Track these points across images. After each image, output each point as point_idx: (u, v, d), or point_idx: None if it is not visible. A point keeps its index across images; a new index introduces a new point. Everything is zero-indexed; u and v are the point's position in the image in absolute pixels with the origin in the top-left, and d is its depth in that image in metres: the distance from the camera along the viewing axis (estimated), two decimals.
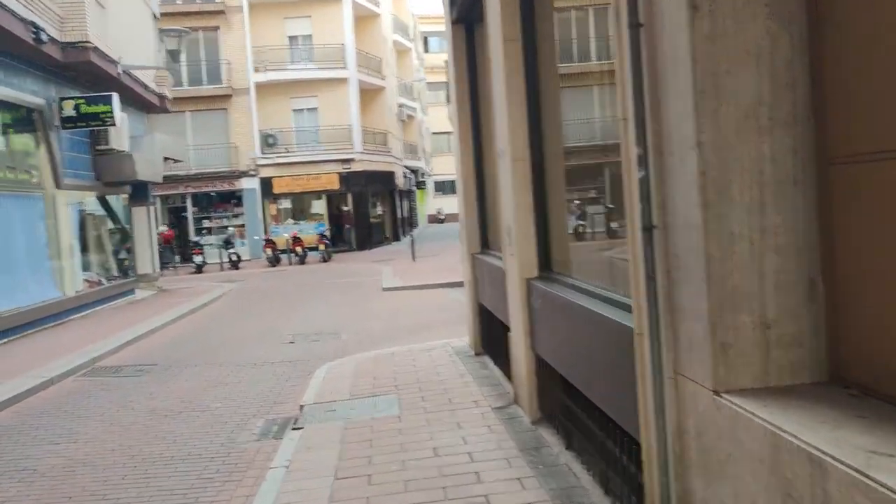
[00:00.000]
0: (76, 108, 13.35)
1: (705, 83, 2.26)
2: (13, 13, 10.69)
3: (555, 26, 5.10)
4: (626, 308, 3.25)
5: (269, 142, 30.13)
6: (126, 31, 15.55)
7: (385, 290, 16.00)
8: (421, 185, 48.82)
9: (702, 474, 2.37)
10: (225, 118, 29.66)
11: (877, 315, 2.01)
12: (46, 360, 9.37)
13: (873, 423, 1.83)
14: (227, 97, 29.43)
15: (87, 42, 12.81)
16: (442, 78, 38.45)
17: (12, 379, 8.34)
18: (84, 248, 15.27)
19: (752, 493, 2.04)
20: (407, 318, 11.82)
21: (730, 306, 2.27)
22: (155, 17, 18.84)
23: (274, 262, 25.56)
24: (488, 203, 7.74)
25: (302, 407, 6.28)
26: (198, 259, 25.20)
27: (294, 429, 5.71)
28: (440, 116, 49.18)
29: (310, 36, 31.13)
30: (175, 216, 29.89)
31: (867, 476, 1.56)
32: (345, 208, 31.14)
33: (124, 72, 14.87)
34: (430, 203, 55.41)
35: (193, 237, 28.18)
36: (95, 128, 14.09)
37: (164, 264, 24.93)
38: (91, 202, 15.95)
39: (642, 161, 2.59)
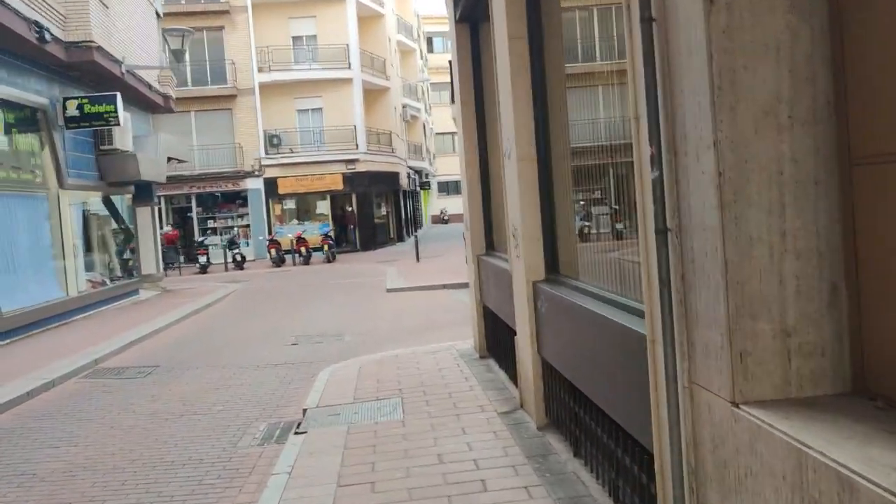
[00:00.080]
0: (80, 107, 13.30)
1: (722, 79, 2.16)
2: (16, 12, 10.64)
3: (562, 23, 5.00)
4: (637, 313, 3.15)
5: (273, 142, 30.08)
6: (130, 31, 15.51)
7: (389, 290, 15.91)
8: (425, 185, 48.75)
9: (718, 489, 2.27)
10: (229, 118, 29.62)
11: None
12: (48, 361, 9.31)
13: None
14: (231, 97, 29.40)
15: (90, 41, 12.76)
16: (446, 78, 38.28)
17: (14, 380, 8.28)
18: (88, 249, 15.23)
19: None
20: (411, 320, 11.73)
21: (748, 313, 2.16)
22: (159, 16, 18.80)
23: (278, 262, 25.51)
24: (493, 204, 7.64)
25: (305, 411, 6.20)
26: (202, 259, 25.17)
27: (297, 433, 5.62)
28: (444, 117, 49.11)
29: (314, 36, 31.09)
30: (180, 216, 29.88)
31: None
32: (349, 209, 31.08)
33: (128, 71, 14.82)
34: (433, 203, 55.34)
35: (198, 237, 28.15)
36: (99, 127, 14.05)
37: (169, 264, 24.91)
38: (95, 202, 15.91)
39: (655, 161, 2.49)
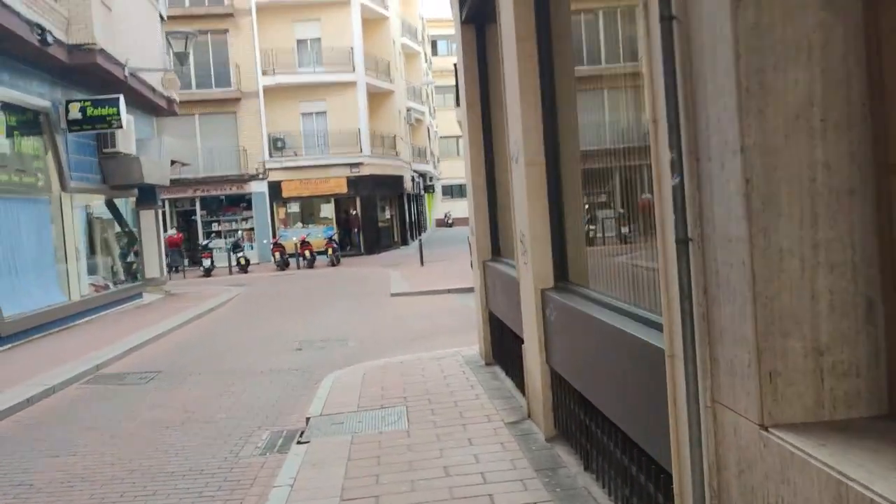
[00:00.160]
0: (82, 110, 13.23)
1: (750, 80, 2.03)
2: (18, 14, 10.57)
3: (570, 24, 4.88)
4: (654, 326, 3.02)
5: (277, 145, 30.03)
6: (133, 34, 15.43)
7: (393, 295, 15.80)
8: (429, 188, 48.67)
9: None
10: (234, 121, 29.59)
11: None
12: (49, 366, 9.20)
13: None
14: (235, 100, 29.36)
15: (93, 44, 12.69)
16: (450, 81, 38.18)
17: (14, 387, 8.17)
18: (91, 252, 15.15)
19: None
20: (415, 325, 11.61)
21: (778, 330, 2.03)
22: (162, 19, 18.74)
23: (282, 265, 25.42)
24: (499, 209, 7.51)
25: (308, 419, 6.07)
26: (206, 262, 25.10)
27: (299, 442, 5.50)
28: (448, 120, 48.99)
29: (318, 39, 31.05)
30: (184, 219, 29.84)
31: None
32: (353, 212, 31.00)
33: (131, 74, 14.75)
34: (438, 207, 55.25)
35: (202, 240, 28.09)
36: (102, 130, 13.97)
37: (173, 268, 24.85)
38: (98, 205, 15.84)
39: (675, 166, 2.35)
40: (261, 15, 29.93)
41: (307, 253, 25.44)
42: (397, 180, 34.47)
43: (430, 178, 48.99)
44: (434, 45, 54.48)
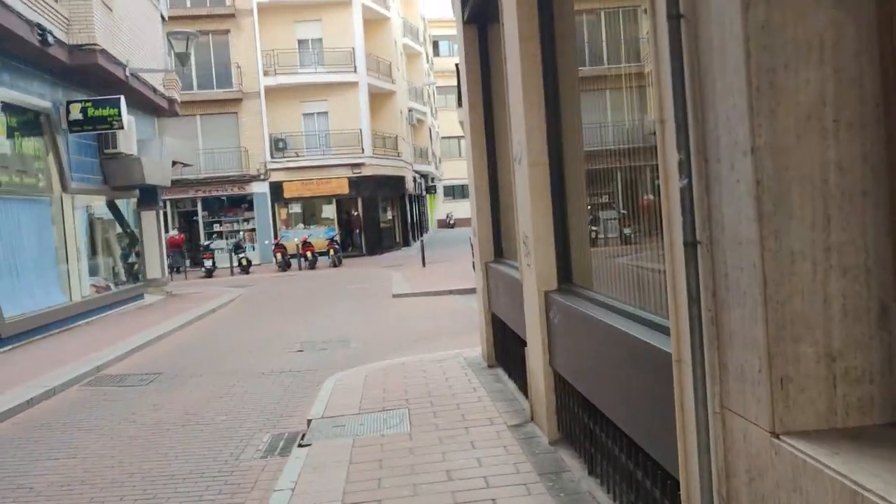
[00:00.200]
0: (83, 111, 13.20)
1: (761, 79, 1.98)
2: (18, 14, 10.54)
3: (574, 24, 4.84)
4: (660, 329, 2.97)
5: (279, 146, 30.00)
6: (134, 34, 15.42)
7: (395, 296, 15.75)
8: (431, 189, 48.59)
9: None
10: (235, 122, 29.56)
11: None
12: (50, 368, 9.17)
13: None
14: (237, 101, 29.33)
15: (94, 44, 12.66)
16: (452, 82, 38.16)
17: (14, 388, 8.14)
18: (92, 253, 15.12)
19: None
20: (417, 326, 11.57)
21: (790, 335, 1.98)
22: (164, 19, 18.71)
23: (284, 266, 25.38)
24: (502, 210, 7.47)
25: (309, 422, 6.03)
26: (208, 263, 25.08)
27: (301, 445, 5.46)
28: (450, 120, 48.93)
29: (320, 40, 31.02)
30: (185, 220, 29.81)
31: None
32: (354, 213, 30.96)
33: (132, 75, 14.72)
34: (440, 207, 55.20)
35: (204, 241, 28.06)
36: (103, 131, 13.95)
37: (175, 268, 24.82)
38: (99, 206, 15.81)
39: (683, 167, 2.31)
40: (262, 15, 29.91)
41: (309, 254, 25.40)
42: (399, 181, 34.43)
43: (432, 179, 48.94)
44: (436, 45, 54.46)
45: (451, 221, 53.51)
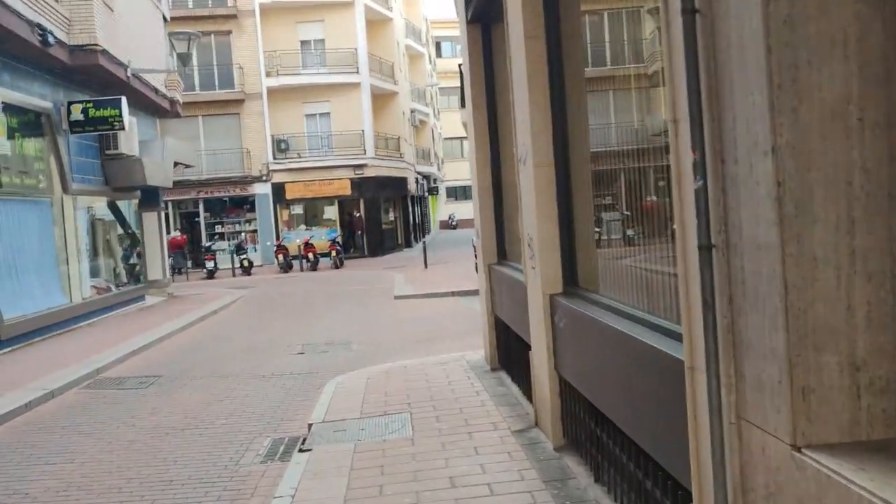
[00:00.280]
0: (84, 111, 13.13)
1: (783, 76, 1.89)
2: (18, 14, 10.47)
3: (581, 24, 4.75)
4: (671, 335, 2.89)
5: (281, 147, 29.93)
6: (136, 35, 15.35)
7: (397, 297, 15.67)
8: (433, 190, 48.52)
9: None
10: (237, 123, 29.49)
11: None
12: (49, 370, 9.10)
13: None
14: (239, 102, 29.26)
15: (95, 45, 12.60)
16: (454, 83, 38.14)
17: (12, 391, 8.06)
18: (93, 254, 15.06)
19: None
20: (419, 328, 11.48)
21: (812, 343, 1.89)
22: (165, 20, 18.65)
23: (286, 268, 25.32)
24: (506, 212, 7.39)
25: (310, 426, 5.94)
26: (209, 264, 25.02)
27: (301, 450, 5.37)
28: (453, 121, 48.92)
29: (322, 40, 30.94)
30: (187, 221, 29.74)
31: None
32: (357, 214, 30.87)
33: (134, 75, 14.65)
34: (442, 209, 55.10)
35: (205, 242, 27.99)
36: (104, 132, 13.88)
37: (177, 270, 24.75)
38: (100, 207, 15.74)
39: (698, 168, 2.22)
40: (264, 16, 29.84)
41: (310, 255, 25.33)
42: (401, 182, 34.35)
43: (434, 180, 48.85)
44: (438, 46, 54.40)
45: (454, 223, 53.40)
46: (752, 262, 2.05)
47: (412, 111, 39.55)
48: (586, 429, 4.32)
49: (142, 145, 15.76)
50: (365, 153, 30.50)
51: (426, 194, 45.30)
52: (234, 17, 29.34)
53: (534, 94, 4.82)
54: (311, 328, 12.26)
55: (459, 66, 9.99)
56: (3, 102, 11.39)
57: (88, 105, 13.23)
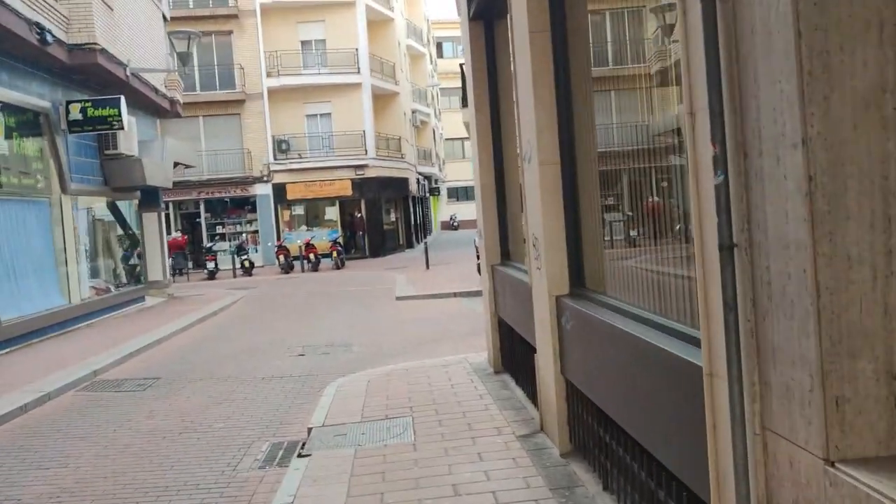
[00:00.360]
0: (83, 111, 13.01)
1: (813, 63, 1.76)
2: (16, 13, 10.36)
3: (587, 19, 4.63)
4: (686, 338, 2.76)
5: (282, 147, 29.81)
6: (135, 34, 15.24)
7: (398, 298, 15.54)
8: (434, 191, 48.40)
9: None
10: (238, 123, 29.37)
11: None
12: (46, 372, 8.97)
13: None
14: (240, 102, 29.15)
15: (94, 44, 12.48)
16: (456, 83, 38.04)
17: (8, 393, 7.94)
18: (92, 255, 14.93)
19: None
20: (421, 329, 11.35)
21: (846, 349, 1.76)
22: (166, 20, 18.54)
23: (287, 268, 25.20)
24: (509, 212, 7.26)
25: (310, 430, 5.81)
26: (210, 265, 24.91)
27: (300, 455, 5.24)
28: (454, 122, 48.81)
29: (323, 41, 30.82)
30: (188, 222, 29.62)
31: None
32: (358, 215, 30.74)
33: (133, 75, 14.54)
34: (443, 209, 54.98)
35: (206, 243, 27.87)
36: (103, 131, 13.76)
37: (177, 271, 24.64)
38: (100, 208, 15.62)
39: (719, 163, 2.09)
40: (265, 16, 29.73)
41: (311, 256, 25.21)
42: (402, 182, 34.22)
43: (436, 181, 48.73)
44: (439, 46, 54.30)
45: (455, 223, 53.27)
46: (778, 261, 1.92)
47: (413, 112, 39.43)
48: (594, 435, 4.19)
49: (141, 145, 15.64)
50: (366, 154, 30.38)
51: (427, 195, 45.18)
52: (234, 16, 29.23)
53: (539, 90, 4.69)
54: (312, 329, 12.13)
55: (461, 65, 9.88)
56: (1, 102, 11.27)
57: (87, 104, 13.11)
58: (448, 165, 54.13)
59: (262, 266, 27.73)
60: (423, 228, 42.29)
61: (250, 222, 29.82)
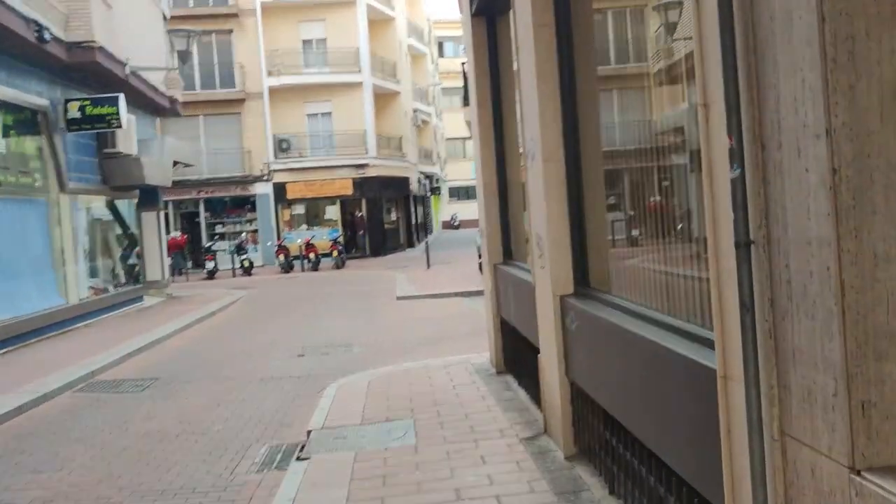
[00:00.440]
0: (81, 109, 12.92)
1: (837, 50, 1.67)
2: (14, 10, 10.26)
3: (592, 14, 4.54)
4: (699, 340, 2.66)
5: (282, 146, 29.72)
6: (134, 32, 15.14)
7: (399, 298, 15.45)
8: (435, 190, 48.28)
9: None
10: (238, 122, 29.28)
11: None
12: (43, 373, 8.88)
13: None
14: (240, 101, 29.06)
15: (92, 42, 12.38)
16: (457, 83, 37.92)
17: (4, 394, 7.85)
18: (90, 254, 14.83)
19: None
20: (422, 329, 11.25)
21: (872, 352, 1.67)
22: (165, 18, 18.45)
23: (287, 268, 25.10)
24: (511, 211, 7.17)
25: (309, 433, 5.72)
26: (210, 265, 24.81)
27: (299, 458, 5.15)
28: (455, 121, 48.69)
29: (324, 40, 30.73)
30: (188, 221, 29.53)
31: None
32: (358, 214, 30.65)
33: (132, 73, 14.44)
34: (444, 209, 54.89)
35: (206, 242, 27.77)
36: (101, 130, 13.66)
37: (177, 270, 24.54)
38: (98, 207, 15.53)
39: (735, 156, 2.00)
40: (266, 15, 29.63)
41: (312, 255, 25.11)
42: (403, 182, 34.12)
43: (437, 180, 48.61)
44: (440, 46, 54.16)
45: (456, 223, 53.17)
46: (799, 259, 1.82)
47: (414, 111, 39.33)
48: (600, 437, 4.09)
49: (141, 144, 15.54)
50: (367, 153, 30.29)
51: (428, 194, 45.07)
52: (235, 15, 29.15)
53: (542, 86, 4.60)
54: (312, 329, 12.04)
55: (463, 64, 9.81)
56: None
57: (86, 103, 13.02)
58: (449, 165, 54.02)
59: (262, 266, 27.62)
60: (424, 228, 42.19)
61: (250, 222, 29.73)
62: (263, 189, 29.32)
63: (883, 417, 1.67)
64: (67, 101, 12.99)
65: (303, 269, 25.07)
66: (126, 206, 16.73)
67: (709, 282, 2.35)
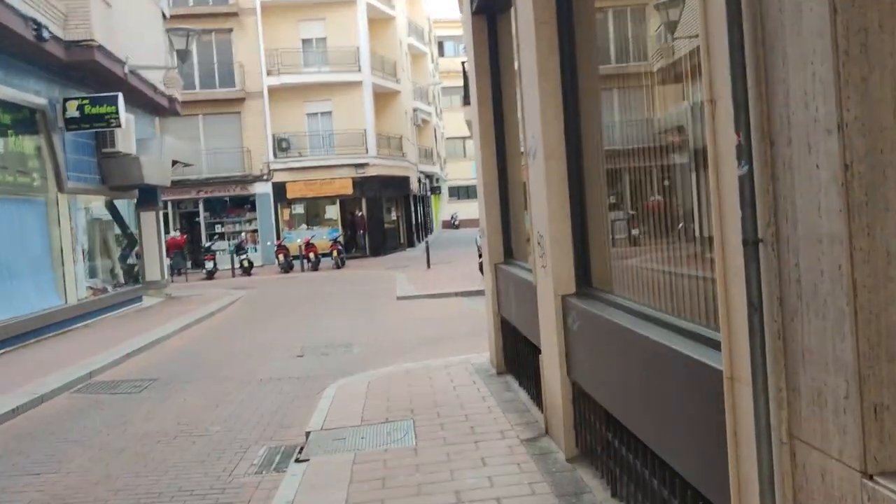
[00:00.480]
0: (80, 108, 12.86)
1: (850, 42, 1.62)
2: (12, 8, 10.21)
3: (594, 11, 4.49)
4: (705, 341, 2.61)
5: (282, 146, 29.67)
6: (133, 31, 15.09)
7: (399, 298, 15.40)
8: (436, 190, 48.26)
9: None
10: (238, 122, 29.22)
11: None
12: (41, 373, 8.84)
13: None
14: (240, 101, 29.00)
15: (91, 40, 12.33)
16: (457, 82, 37.88)
17: (3, 395, 7.80)
18: (89, 254, 14.79)
19: None
20: (422, 329, 11.20)
21: (885, 353, 1.62)
22: (165, 17, 18.39)
23: (286, 268, 25.05)
24: (512, 210, 7.12)
25: (308, 434, 5.67)
26: (209, 265, 24.75)
27: (298, 460, 5.10)
28: (455, 121, 48.62)
29: (324, 39, 30.68)
30: (187, 221, 29.47)
31: None
32: (358, 214, 30.60)
33: (131, 72, 14.39)
34: (444, 208, 54.85)
35: (205, 242, 27.71)
36: (100, 129, 13.60)
37: (176, 270, 24.49)
38: (97, 207, 15.48)
39: (743, 152, 1.95)
40: (265, 14, 29.58)
41: (312, 255, 25.06)
42: (403, 181, 34.07)
43: (437, 180, 48.58)
44: (441, 45, 54.13)
45: (456, 222, 53.13)
46: (809, 257, 1.77)
47: (414, 110, 39.27)
48: (602, 439, 4.05)
49: (140, 143, 15.49)
50: (367, 152, 30.24)
51: (428, 194, 45.03)
52: (235, 14, 29.09)
53: (544, 83, 4.55)
54: (311, 330, 11.99)
55: (463, 63, 9.77)
56: None
57: (84, 102, 12.96)
58: (449, 164, 53.98)
59: (262, 266, 27.57)
60: (424, 227, 42.15)
61: (250, 221, 29.67)
62: (263, 189, 29.26)
63: (895, 421, 1.62)
64: (66, 100, 12.94)
65: (302, 269, 25.02)
66: (125, 205, 16.68)
67: (714, 281, 2.31)
